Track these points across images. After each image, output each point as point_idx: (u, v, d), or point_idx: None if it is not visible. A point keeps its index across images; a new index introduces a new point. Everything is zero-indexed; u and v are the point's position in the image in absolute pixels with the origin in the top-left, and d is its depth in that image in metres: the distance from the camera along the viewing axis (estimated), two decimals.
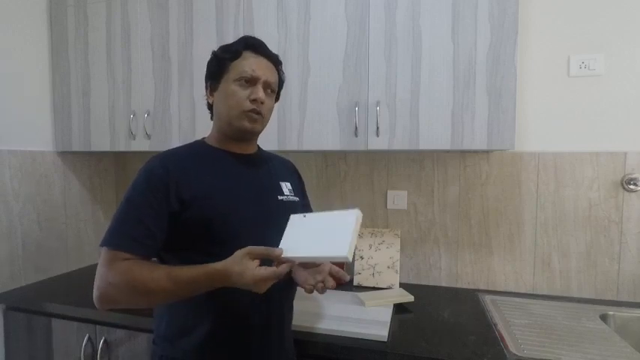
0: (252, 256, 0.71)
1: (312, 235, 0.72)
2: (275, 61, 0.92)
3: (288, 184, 0.98)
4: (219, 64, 0.89)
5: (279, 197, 0.93)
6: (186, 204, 0.80)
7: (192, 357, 0.83)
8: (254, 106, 0.86)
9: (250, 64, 0.87)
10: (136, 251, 0.77)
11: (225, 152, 0.91)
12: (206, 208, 0.81)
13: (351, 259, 0.65)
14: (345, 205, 1.63)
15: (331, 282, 0.77)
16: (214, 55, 0.92)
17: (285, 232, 0.78)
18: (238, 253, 0.71)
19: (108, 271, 0.75)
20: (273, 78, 0.90)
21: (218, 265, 0.72)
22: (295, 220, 0.79)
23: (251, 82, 0.86)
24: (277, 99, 0.99)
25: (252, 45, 0.89)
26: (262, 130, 0.93)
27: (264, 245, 0.76)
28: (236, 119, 0.87)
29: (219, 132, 0.92)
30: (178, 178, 0.81)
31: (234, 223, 0.83)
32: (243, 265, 0.70)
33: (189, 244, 0.82)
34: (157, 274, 0.74)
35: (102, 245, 0.78)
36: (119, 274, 0.74)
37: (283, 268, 0.70)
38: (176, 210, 0.80)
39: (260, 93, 0.86)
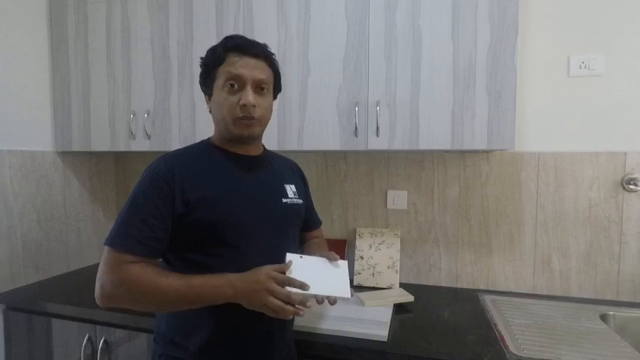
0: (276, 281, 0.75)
1: (318, 276, 0.83)
2: (263, 56, 0.87)
3: (293, 187, 0.98)
4: (207, 71, 0.88)
5: (284, 200, 0.93)
6: (191, 205, 0.80)
7: (194, 357, 0.83)
8: (245, 113, 0.83)
9: (235, 67, 0.83)
10: (140, 252, 0.77)
11: (231, 154, 0.91)
12: (210, 210, 0.81)
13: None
14: (345, 205, 1.63)
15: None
16: (201, 62, 0.90)
17: (292, 270, 0.81)
18: (260, 275, 0.76)
19: (116, 274, 0.76)
20: (263, 75, 0.86)
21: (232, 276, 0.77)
22: (295, 259, 0.83)
23: (239, 85, 0.84)
24: (279, 90, 0.96)
25: (233, 46, 0.85)
26: (262, 131, 0.91)
27: (267, 247, 0.83)
28: (232, 126, 0.85)
29: (221, 136, 0.91)
30: (183, 179, 0.81)
31: (238, 225, 0.83)
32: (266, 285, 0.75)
33: (193, 246, 0.82)
34: (170, 279, 0.76)
35: (106, 244, 0.78)
36: (131, 279, 0.75)
37: (303, 313, 0.77)
38: (180, 211, 0.79)
39: (249, 97, 0.82)
